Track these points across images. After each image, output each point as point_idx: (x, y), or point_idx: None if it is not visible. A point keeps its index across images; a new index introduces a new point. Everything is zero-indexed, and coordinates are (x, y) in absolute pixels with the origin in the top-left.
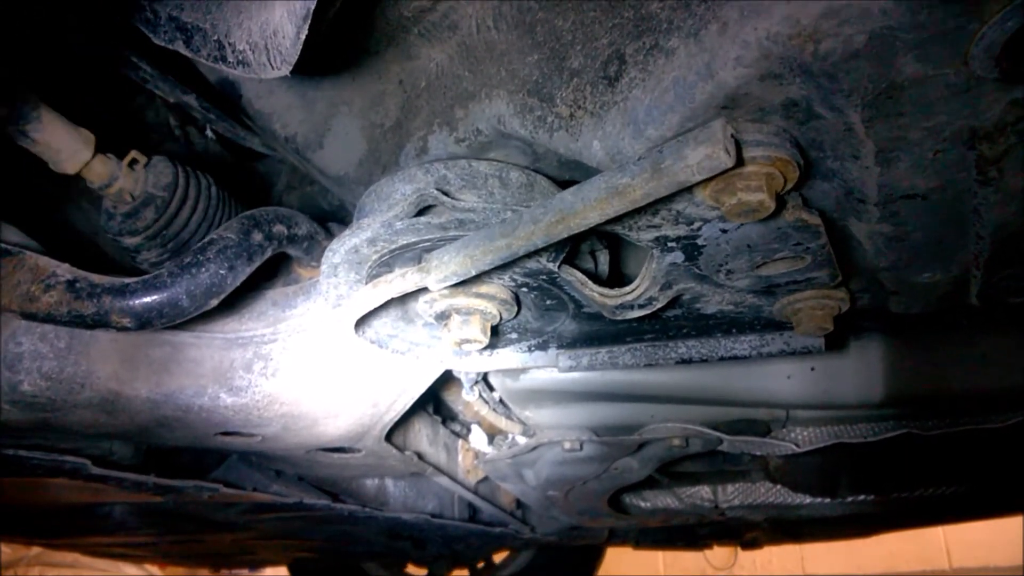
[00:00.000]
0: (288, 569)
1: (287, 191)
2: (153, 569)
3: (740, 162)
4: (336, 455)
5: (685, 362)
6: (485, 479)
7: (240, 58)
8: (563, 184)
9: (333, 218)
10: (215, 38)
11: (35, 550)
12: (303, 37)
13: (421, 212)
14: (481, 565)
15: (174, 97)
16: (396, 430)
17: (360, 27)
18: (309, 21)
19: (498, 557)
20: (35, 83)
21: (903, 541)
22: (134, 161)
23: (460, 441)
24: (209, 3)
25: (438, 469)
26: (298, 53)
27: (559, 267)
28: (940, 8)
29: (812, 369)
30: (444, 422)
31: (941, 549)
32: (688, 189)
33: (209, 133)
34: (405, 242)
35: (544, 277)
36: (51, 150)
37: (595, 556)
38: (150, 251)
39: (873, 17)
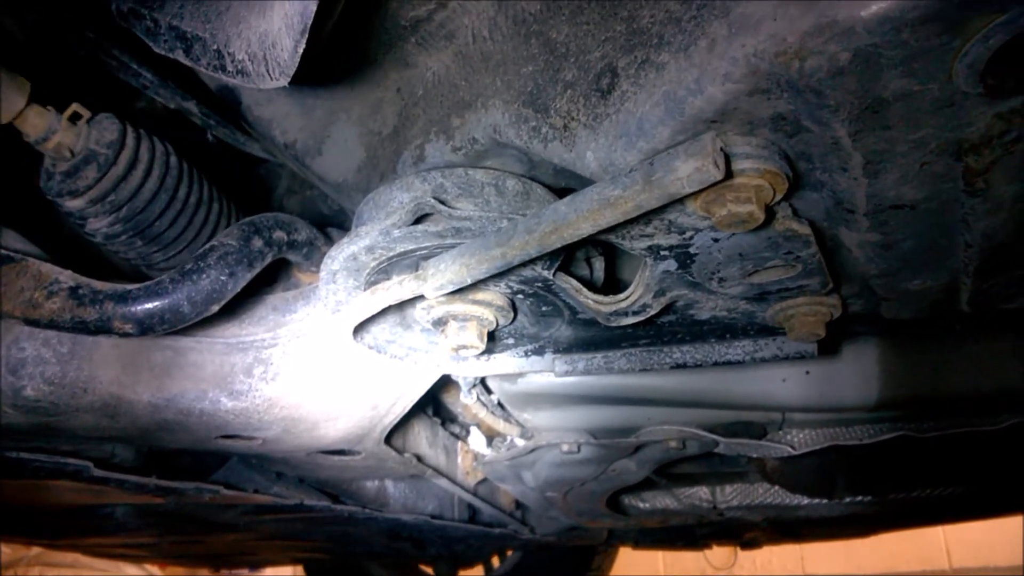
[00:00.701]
0: (304, 569)
1: (287, 195)
2: (153, 569)
3: (730, 174)
4: (336, 457)
5: (680, 367)
6: (484, 480)
7: (239, 68)
8: (559, 191)
9: (333, 223)
10: (215, 47)
11: (35, 550)
12: (300, 50)
13: (418, 220)
14: (497, 562)
15: (174, 103)
16: (395, 432)
17: (358, 36)
18: (306, 35)
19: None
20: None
21: (903, 541)
22: (76, 115)
23: (459, 443)
24: (208, 13)
25: (437, 471)
26: (296, 65)
27: (554, 275)
28: (924, 26)
29: (807, 373)
30: (443, 424)
31: (941, 549)
32: (680, 200)
33: (210, 138)
34: (402, 250)
35: (540, 284)
36: None
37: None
38: (99, 219)
39: (857, 35)
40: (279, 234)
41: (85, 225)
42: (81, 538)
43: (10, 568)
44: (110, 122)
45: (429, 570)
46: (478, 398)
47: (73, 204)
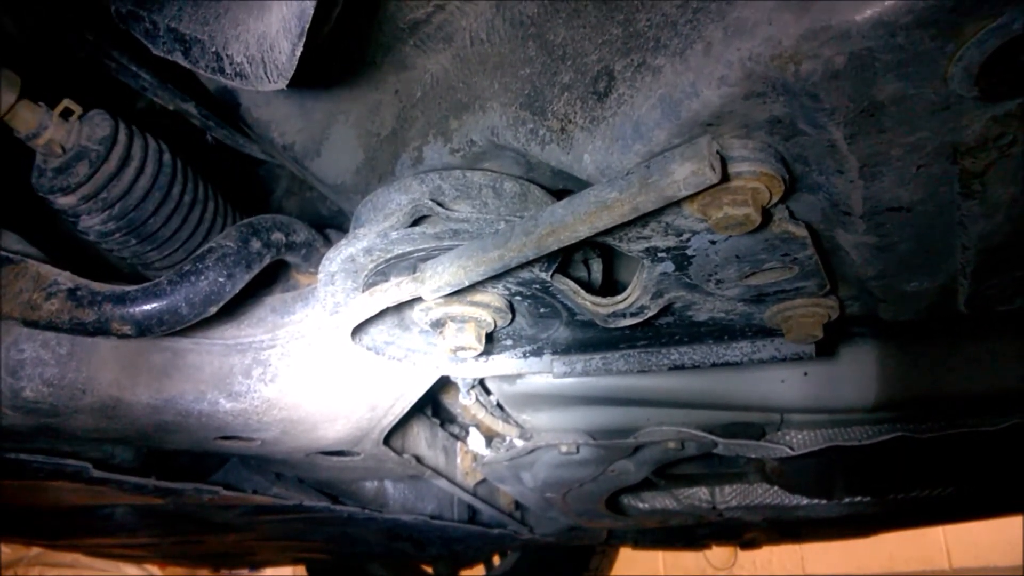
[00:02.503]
0: (306, 569)
1: (286, 196)
2: (153, 569)
3: (726, 177)
4: (335, 458)
5: (678, 368)
6: (483, 481)
7: (238, 70)
8: (557, 194)
9: (331, 224)
10: (213, 50)
11: (35, 550)
12: (298, 53)
13: (416, 222)
14: (497, 561)
15: (174, 105)
16: (394, 433)
17: (356, 38)
18: (304, 39)
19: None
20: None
21: (903, 541)
22: (67, 111)
23: (458, 444)
24: (207, 15)
25: (436, 471)
26: (294, 67)
27: (552, 277)
28: (918, 30)
29: (805, 374)
30: (442, 425)
31: (941, 549)
32: (676, 203)
33: (209, 140)
34: (400, 252)
35: (537, 286)
36: None
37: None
38: (92, 216)
39: (852, 39)
40: (277, 235)
41: (78, 223)
42: (81, 538)
43: (10, 568)
44: (102, 118)
45: (429, 569)
46: (477, 399)
47: (64, 201)
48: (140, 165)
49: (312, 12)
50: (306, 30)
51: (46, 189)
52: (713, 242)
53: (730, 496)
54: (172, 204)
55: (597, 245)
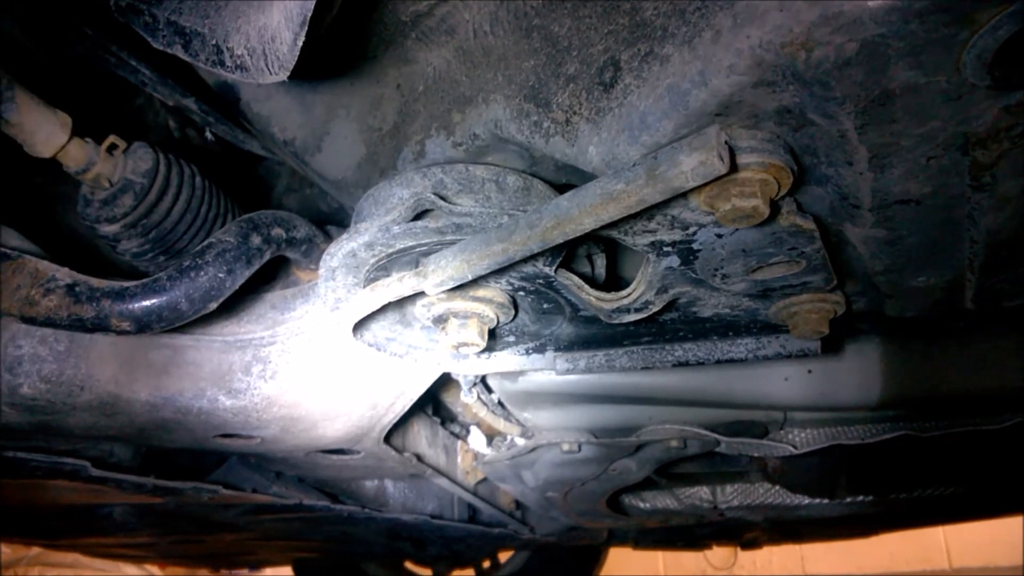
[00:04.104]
0: (292, 568)
1: (287, 193)
2: (153, 569)
3: (734, 168)
4: (335, 457)
5: (682, 365)
6: (484, 480)
7: (238, 63)
8: (560, 188)
9: (332, 220)
10: (213, 43)
11: (35, 550)
12: (300, 43)
13: (418, 216)
14: (487, 564)
15: (173, 100)
16: (395, 432)
17: (358, 32)
18: (306, 27)
19: (503, 556)
20: (31, 81)
21: (903, 541)
22: (113, 146)
23: (459, 442)
24: (207, 7)
25: (437, 470)
26: (295, 59)
27: (555, 271)
28: (931, 16)
29: (809, 371)
30: (443, 423)
31: (941, 549)
32: (683, 195)
33: (209, 135)
34: (402, 246)
35: (541, 281)
36: (25, 132)
37: (596, 553)
38: (130, 240)
39: (865, 25)
40: (278, 231)
41: (117, 247)
42: (80, 538)
43: (10, 568)
44: (145, 151)
45: (425, 571)
46: (478, 397)
47: (109, 229)
48: (177, 192)
49: (314, 2)
50: (308, 19)
51: (92, 219)
52: (720, 236)
53: (731, 496)
54: (200, 223)
55: (601, 239)
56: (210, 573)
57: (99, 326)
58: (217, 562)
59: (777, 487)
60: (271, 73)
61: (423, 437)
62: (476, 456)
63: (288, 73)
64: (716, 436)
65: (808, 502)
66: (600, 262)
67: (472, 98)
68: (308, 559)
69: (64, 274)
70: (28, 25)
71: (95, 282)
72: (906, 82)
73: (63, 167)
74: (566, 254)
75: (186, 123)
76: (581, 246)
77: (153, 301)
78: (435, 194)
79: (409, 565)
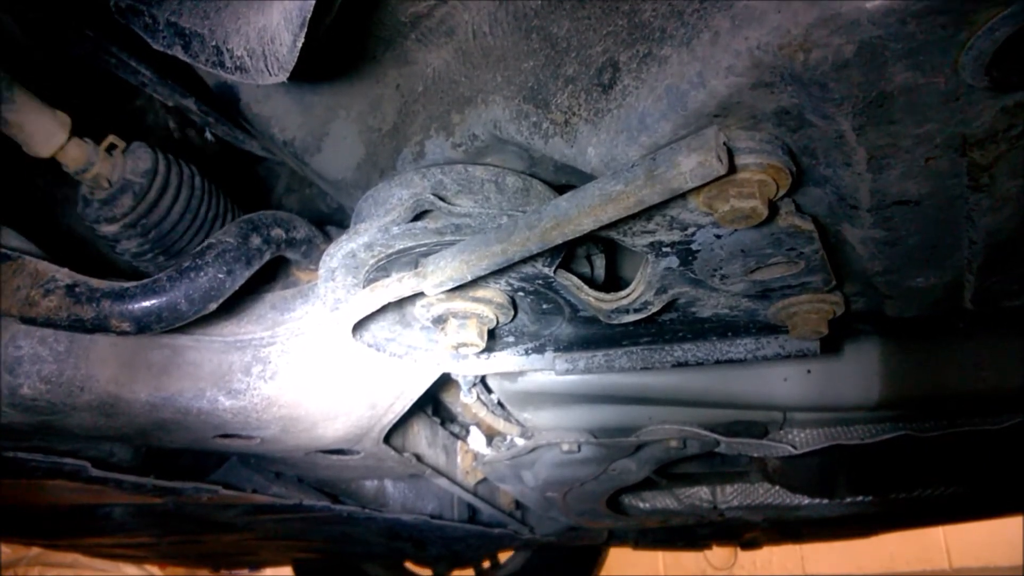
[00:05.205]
0: (292, 569)
1: (287, 193)
2: (153, 569)
3: (733, 169)
4: (335, 457)
5: (681, 365)
6: (484, 480)
7: (238, 64)
8: (559, 188)
9: (332, 221)
10: (213, 44)
11: (35, 550)
12: (299, 45)
13: (418, 217)
14: (487, 564)
15: (173, 101)
16: (395, 432)
17: (357, 32)
18: (305, 29)
19: (503, 556)
20: (32, 82)
21: (903, 541)
22: (112, 146)
23: (459, 443)
24: (207, 9)
25: (437, 471)
26: (295, 60)
27: (555, 272)
28: (929, 18)
29: (809, 372)
30: (443, 424)
31: (941, 549)
32: (682, 196)
33: (209, 136)
34: (402, 247)
35: (540, 282)
36: (24, 132)
37: (595, 553)
38: (130, 240)
39: (862, 27)
40: (277, 232)
41: (116, 247)
42: (80, 538)
43: (10, 568)
44: (144, 151)
45: (425, 571)
46: (478, 397)
47: (108, 229)
48: (176, 192)
49: (314, 3)
50: (307, 21)
51: (92, 219)
52: (718, 236)
53: (731, 496)
54: (199, 223)
55: (600, 240)
56: (210, 573)
57: (99, 327)
58: (217, 562)
59: (777, 487)
60: (270, 74)
61: (423, 437)
62: (476, 456)
63: (287, 74)
64: (715, 436)
65: (808, 502)
66: (599, 263)
67: (471, 99)
68: (308, 560)
69: (64, 275)
70: (28, 25)
71: (95, 283)
72: (904, 83)
73: (62, 167)
74: (565, 255)
75: (186, 124)
76: (580, 247)
77: (153, 302)
78: (434, 195)
79: (409, 565)
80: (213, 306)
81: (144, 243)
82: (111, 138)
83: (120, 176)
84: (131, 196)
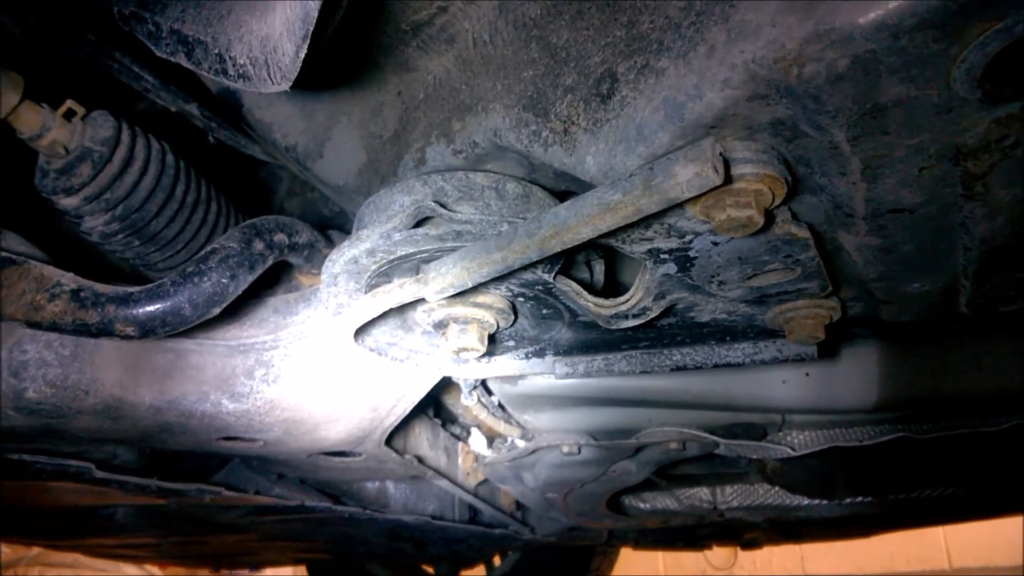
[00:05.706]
0: (307, 569)
1: (288, 197)
2: (153, 569)
3: (729, 179)
4: (337, 459)
5: (680, 369)
6: (485, 481)
7: (241, 72)
8: (559, 195)
9: (334, 225)
10: (216, 51)
11: (35, 550)
12: (302, 55)
13: (419, 223)
14: (498, 561)
15: (176, 106)
16: (396, 434)
17: (359, 40)
18: (308, 41)
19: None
20: (33, 83)
21: (903, 541)
22: (70, 112)
23: (460, 444)
24: (210, 16)
25: (438, 472)
26: (297, 70)
27: (554, 278)
28: (921, 33)
29: (807, 374)
30: (444, 425)
31: (941, 549)
32: (679, 204)
33: (211, 140)
34: (403, 253)
35: (540, 287)
36: None
37: (588, 551)
38: (95, 217)
39: (856, 42)
40: (280, 236)
41: (81, 224)
42: (82, 539)
43: (10, 568)
44: (105, 119)
45: (430, 570)
46: (479, 400)
47: (68, 202)
48: (143, 166)
49: (316, 14)
50: (311, 32)
51: (49, 190)
52: (716, 244)
53: (731, 496)
54: (175, 205)
55: (599, 247)
56: (211, 573)
57: (104, 331)
58: (218, 562)
59: (777, 488)
60: (273, 83)
61: (424, 439)
62: (477, 458)
63: (290, 83)
64: (715, 438)
65: (807, 503)
66: (599, 268)
67: (472, 106)
68: (322, 560)
69: (69, 279)
70: (30, 28)
71: (100, 287)
72: (897, 96)
73: (16, 132)
74: (565, 261)
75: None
76: (580, 253)
77: (157, 306)
78: (435, 201)
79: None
80: (217, 310)
81: (111, 221)
82: (69, 103)
83: (79, 143)
84: (90, 165)
